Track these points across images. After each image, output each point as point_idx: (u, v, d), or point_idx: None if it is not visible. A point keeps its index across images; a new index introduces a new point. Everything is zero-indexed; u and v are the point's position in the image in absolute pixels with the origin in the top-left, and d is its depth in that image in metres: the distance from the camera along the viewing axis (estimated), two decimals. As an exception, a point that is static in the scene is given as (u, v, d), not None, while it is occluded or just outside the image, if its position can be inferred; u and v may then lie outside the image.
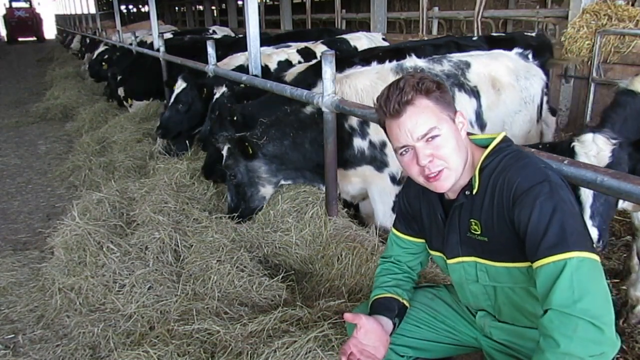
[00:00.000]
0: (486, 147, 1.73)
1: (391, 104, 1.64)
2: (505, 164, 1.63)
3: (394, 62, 3.57)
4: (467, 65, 3.62)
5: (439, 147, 1.63)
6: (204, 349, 2.37)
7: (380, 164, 3.37)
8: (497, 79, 3.62)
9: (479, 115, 3.53)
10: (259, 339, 2.34)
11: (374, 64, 3.70)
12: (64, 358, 2.60)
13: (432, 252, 1.98)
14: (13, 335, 2.85)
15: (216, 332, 2.43)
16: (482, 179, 1.67)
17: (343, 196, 3.67)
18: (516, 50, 3.97)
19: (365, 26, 10.89)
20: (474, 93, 3.53)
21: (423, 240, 2.02)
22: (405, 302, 1.96)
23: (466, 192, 1.70)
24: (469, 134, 1.82)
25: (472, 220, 1.70)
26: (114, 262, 3.08)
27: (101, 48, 11.75)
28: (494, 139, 1.75)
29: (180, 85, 5.50)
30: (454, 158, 1.65)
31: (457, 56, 3.75)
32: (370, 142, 3.34)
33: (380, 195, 3.47)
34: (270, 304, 2.80)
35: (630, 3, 6.51)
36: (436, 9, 9.87)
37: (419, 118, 1.62)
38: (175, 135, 5.45)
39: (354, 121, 3.35)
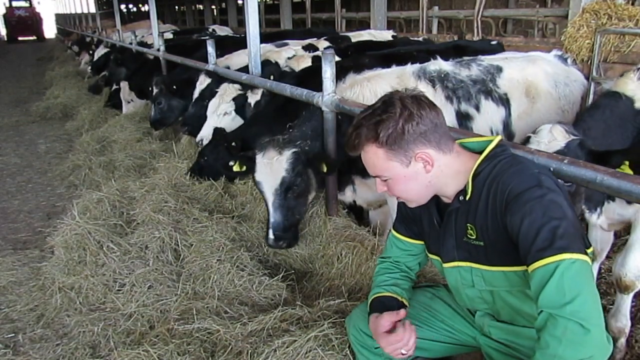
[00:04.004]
0: (480, 152, 1.73)
1: (348, 142, 1.75)
2: (499, 169, 1.63)
3: (417, 65, 3.40)
4: (499, 70, 3.39)
5: (389, 185, 1.75)
6: (204, 348, 2.38)
7: None
8: (534, 85, 3.37)
9: (506, 125, 3.32)
10: (259, 338, 2.34)
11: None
12: (64, 357, 2.60)
13: (430, 255, 1.99)
14: (13, 335, 2.85)
15: (216, 331, 2.43)
16: (476, 184, 1.67)
17: (359, 202, 3.57)
18: (555, 52, 3.76)
19: (365, 25, 10.88)
20: (503, 101, 3.32)
21: (422, 242, 2.03)
22: (404, 301, 1.96)
23: (460, 197, 1.71)
24: (465, 132, 1.83)
25: (468, 224, 1.71)
26: (114, 262, 3.08)
27: (102, 50, 11.67)
28: (488, 142, 1.74)
29: (203, 81, 5.51)
30: (406, 195, 1.79)
31: (488, 59, 3.53)
32: None
33: None
34: (270, 303, 2.80)
35: (630, 2, 6.51)
36: (436, 8, 9.85)
37: (368, 162, 1.74)
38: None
39: None
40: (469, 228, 1.70)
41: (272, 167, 2.95)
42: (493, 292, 1.76)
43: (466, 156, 1.75)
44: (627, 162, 2.09)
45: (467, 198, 1.69)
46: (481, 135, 2.03)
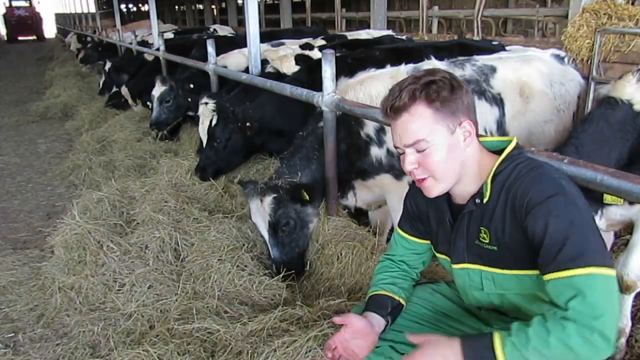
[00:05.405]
0: (497, 152, 1.70)
1: (387, 106, 1.64)
2: (518, 173, 1.59)
3: (411, 65, 3.39)
4: (493, 70, 3.39)
5: (426, 156, 1.62)
6: (204, 348, 2.38)
7: (399, 172, 3.22)
8: (528, 85, 3.37)
9: (500, 125, 3.32)
10: (259, 338, 2.34)
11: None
12: (64, 357, 2.60)
13: (437, 255, 1.96)
14: (13, 334, 2.85)
15: (216, 331, 2.43)
16: (494, 187, 1.63)
17: (359, 204, 3.55)
18: (552, 51, 3.76)
19: (365, 25, 10.89)
20: (497, 101, 3.32)
21: (428, 241, 2.01)
22: (400, 299, 1.95)
23: (476, 200, 1.67)
24: (481, 135, 1.77)
25: (481, 228, 1.68)
26: (114, 261, 3.08)
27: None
28: (505, 143, 1.71)
29: (159, 87, 5.57)
30: (441, 170, 1.63)
31: (482, 59, 3.52)
32: (388, 151, 3.21)
33: (401, 204, 3.27)
34: (270, 303, 2.80)
35: (630, 2, 6.51)
36: (436, 7, 9.85)
37: (409, 126, 1.60)
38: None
39: (370, 129, 3.22)
40: (482, 232, 1.67)
41: (259, 212, 3.14)
42: (502, 295, 1.74)
43: (484, 152, 1.72)
44: None
45: (485, 201, 1.65)
46: (485, 136, 1.99)
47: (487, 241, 1.67)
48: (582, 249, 1.41)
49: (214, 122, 4.31)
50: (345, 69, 3.86)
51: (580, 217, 1.45)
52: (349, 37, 6.77)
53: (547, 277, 1.46)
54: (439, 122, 1.60)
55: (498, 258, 1.67)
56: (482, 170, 1.68)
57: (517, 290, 1.69)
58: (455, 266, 1.82)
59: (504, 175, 1.62)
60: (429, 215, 1.92)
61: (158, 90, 5.88)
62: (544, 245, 1.47)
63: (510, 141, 1.71)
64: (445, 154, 1.61)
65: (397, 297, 1.94)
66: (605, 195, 2.27)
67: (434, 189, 1.67)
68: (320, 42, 6.33)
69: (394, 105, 1.61)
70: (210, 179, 4.29)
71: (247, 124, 4.16)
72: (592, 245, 1.42)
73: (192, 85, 5.89)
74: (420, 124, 1.59)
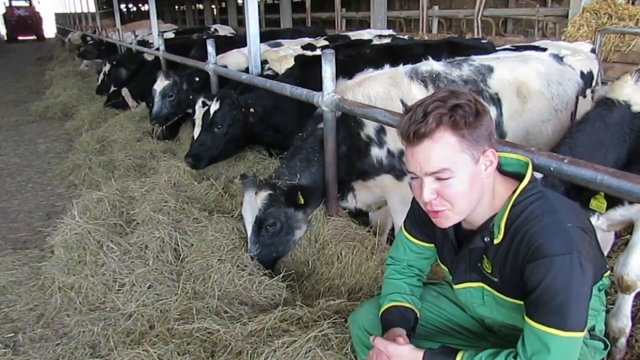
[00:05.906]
0: (510, 174, 1.64)
1: (409, 130, 1.48)
2: (529, 214, 1.51)
3: (409, 66, 3.38)
4: (490, 70, 3.39)
5: (447, 186, 1.49)
6: (204, 348, 2.38)
7: (400, 172, 3.21)
8: (525, 85, 3.36)
9: (498, 125, 3.28)
10: (259, 338, 2.34)
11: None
12: (64, 357, 2.61)
13: (441, 264, 1.93)
14: (13, 334, 2.85)
15: (216, 331, 2.43)
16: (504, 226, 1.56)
17: (359, 206, 3.54)
18: (550, 51, 3.75)
19: (365, 25, 10.90)
20: (494, 101, 3.31)
21: (433, 245, 1.96)
22: (418, 312, 1.92)
23: (485, 239, 1.61)
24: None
25: (485, 257, 1.64)
26: (114, 261, 3.08)
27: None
28: (521, 164, 1.63)
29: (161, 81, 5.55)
30: (461, 202, 1.52)
31: (480, 59, 3.50)
32: (389, 151, 3.20)
33: (402, 204, 3.22)
34: (270, 303, 2.80)
35: (630, 2, 6.51)
36: (436, 7, 9.87)
37: (433, 154, 1.46)
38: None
39: (370, 130, 3.20)
40: (485, 260, 1.64)
41: (249, 205, 3.15)
42: (505, 312, 1.72)
43: (498, 179, 1.62)
44: (602, 192, 2.08)
45: (495, 242, 1.57)
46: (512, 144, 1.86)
47: (489, 271, 1.64)
48: (566, 311, 1.42)
49: (212, 110, 4.32)
50: (339, 68, 3.86)
51: (577, 281, 1.42)
52: (352, 38, 6.78)
53: (526, 319, 1.49)
54: (464, 151, 1.47)
55: (499, 286, 1.65)
56: (495, 200, 1.60)
57: (516, 313, 1.65)
58: (456, 287, 1.80)
59: (515, 213, 1.54)
60: (435, 225, 1.81)
61: (160, 84, 5.84)
62: (533, 294, 1.47)
63: (526, 164, 1.61)
64: (469, 185, 1.50)
65: (417, 310, 1.91)
66: (591, 201, 2.29)
67: (448, 221, 1.58)
68: (322, 42, 6.33)
69: (419, 131, 1.45)
70: (209, 177, 4.30)
71: (251, 109, 4.18)
72: (577, 311, 1.43)
73: (197, 79, 5.86)
74: (446, 151, 1.46)
